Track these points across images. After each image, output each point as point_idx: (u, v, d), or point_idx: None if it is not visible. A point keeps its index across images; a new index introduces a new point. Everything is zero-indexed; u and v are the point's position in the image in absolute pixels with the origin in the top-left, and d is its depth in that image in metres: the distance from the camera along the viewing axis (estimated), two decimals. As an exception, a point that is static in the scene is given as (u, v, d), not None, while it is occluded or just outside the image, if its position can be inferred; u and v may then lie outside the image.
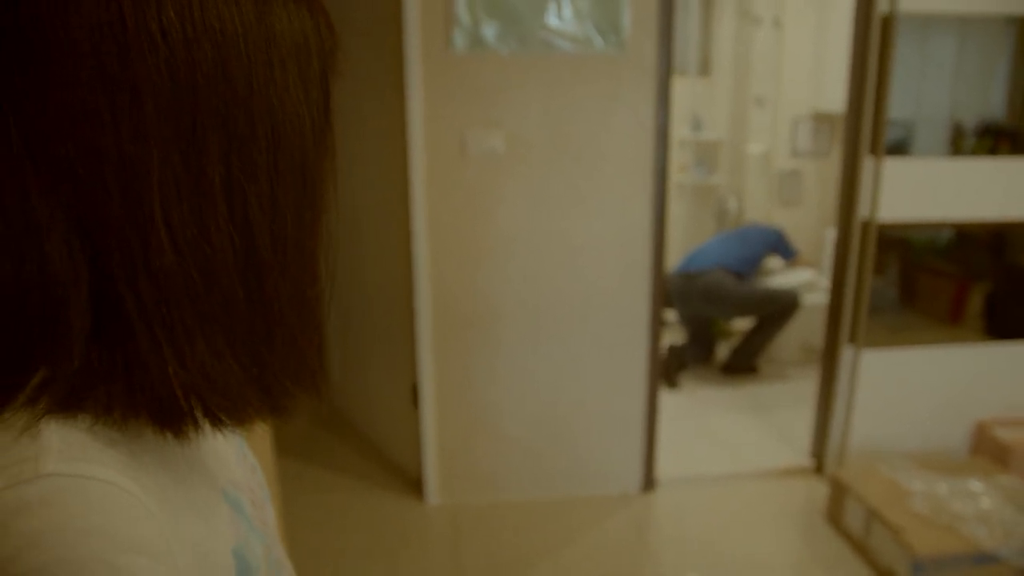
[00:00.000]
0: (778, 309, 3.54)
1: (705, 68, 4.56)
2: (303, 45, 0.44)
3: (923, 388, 2.66)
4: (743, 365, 3.70)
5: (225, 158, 0.40)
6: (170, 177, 0.39)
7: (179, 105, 0.38)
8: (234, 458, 0.57)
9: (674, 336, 3.95)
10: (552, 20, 2.27)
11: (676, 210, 4.43)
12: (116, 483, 0.38)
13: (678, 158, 4.39)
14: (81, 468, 0.37)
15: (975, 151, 2.56)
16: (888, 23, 2.35)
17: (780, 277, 3.82)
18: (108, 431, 0.40)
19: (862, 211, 2.51)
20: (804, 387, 3.50)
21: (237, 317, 0.43)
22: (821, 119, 4.18)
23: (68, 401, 0.39)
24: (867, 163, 2.47)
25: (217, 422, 0.43)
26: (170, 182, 0.39)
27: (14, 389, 0.39)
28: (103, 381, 0.40)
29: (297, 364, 0.47)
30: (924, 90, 2.52)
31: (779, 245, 3.75)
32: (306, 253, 0.47)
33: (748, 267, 3.59)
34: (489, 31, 2.26)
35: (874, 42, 2.39)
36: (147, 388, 0.40)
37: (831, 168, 4.19)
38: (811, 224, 4.33)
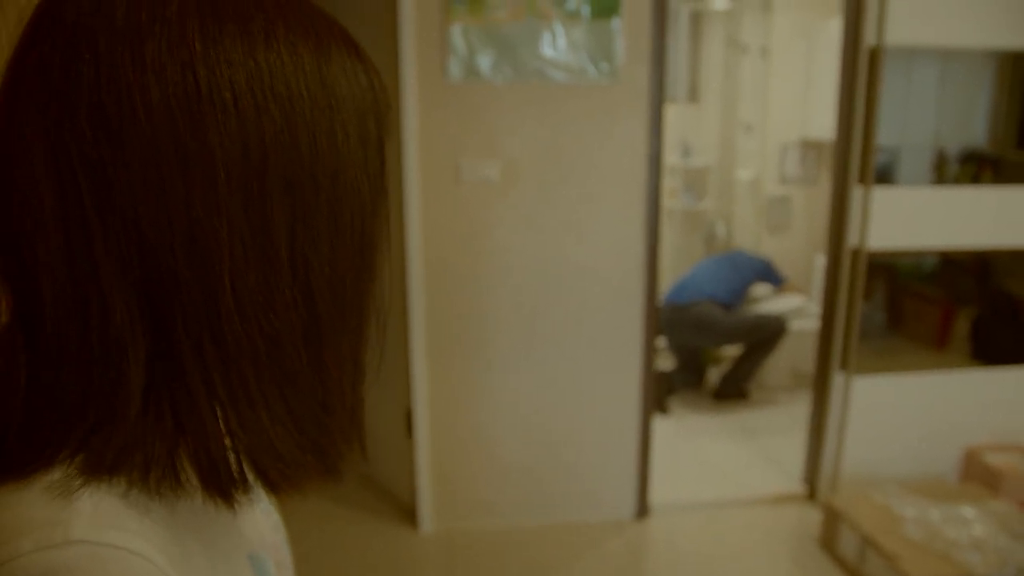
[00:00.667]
0: (766, 335, 3.57)
1: (694, 95, 4.62)
2: (362, 108, 0.44)
3: (913, 414, 2.68)
4: (733, 391, 3.72)
5: (290, 225, 0.41)
6: (239, 244, 0.39)
7: (248, 173, 0.39)
8: (261, 517, 0.56)
9: (663, 362, 3.96)
10: (546, 50, 2.29)
11: (665, 235, 4.46)
12: (142, 553, 0.37)
13: (667, 184, 4.43)
14: (111, 536, 0.37)
15: (958, 178, 2.61)
16: (875, 55, 2.40)
17: (768, 303, 3.85)
18: (142, 497, 0.40)
19: (851, 239, 2.54)
20: (795, 413, 3.52)
21: (299, 383, 0.43)
22: (809, 146, 4.23)
23: (111, 462, 0.39)
24: (856, 191, 2.50)
25: (271, 487, 0.44)
26: (239, 249, 0.39)
27: (58, 447, 0.38)
28: (150, 443, 0.39)
29: (349, 427, 0.48)
30: (909, 119, 2.57)
31: (767, 274, 3.79)
32: (362, 317, 0.47)
33: (736, 297, 3.63)
34: (484, 61, 2.28)
35: (862, 74, 2.44)
36: (203, 452, 0.40)
37: (819, 194, 4.24)
38: (799, 250, 4.37)
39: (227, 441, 0.41)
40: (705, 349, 3.89)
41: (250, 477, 0.42)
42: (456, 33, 2.25)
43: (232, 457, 0.41)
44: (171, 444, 0.40)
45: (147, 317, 0.39)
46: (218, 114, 0.37)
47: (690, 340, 3.71)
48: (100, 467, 0.38)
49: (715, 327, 3.53)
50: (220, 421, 0.40)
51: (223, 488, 0.41)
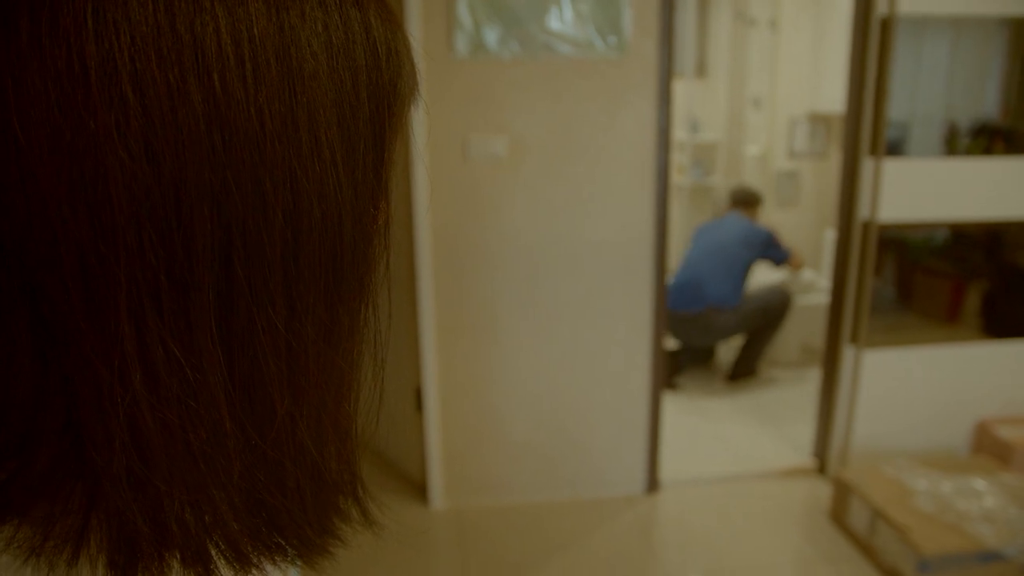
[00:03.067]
0: (773, 316, 3.52)
1: (701, 70, 4.58)
2: (350, 80, 0.32)
3: (924, 387, 2.67)
4: (744, 372, 3.68)
5: (222, 255, 0.30)
6: (144, 280, 0.29)
7: (158, 185, 0.28)
8: None
9: (671, 341, 3.94)
10: (553, 23, 2.27)
11: (673, 211, 4.44)
12: None
13: (675, 160, 4.40)
14: None
15: (970, 151, 2.58)
16: (887, 25, 2.36)
17: (771, 278, 3.77)
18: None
19: (862, 212, 2.52)
20: (805, 388, 3.51)
21: (229, 458, 0.32)
22: (818, 120, 4.19)
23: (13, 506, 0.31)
24: (867, 164, 2.48)
25: (208, 573, 0.34)
26: (144, 287, 0.29)
27: None
28: (57, 518, 0.32)
29: (323, 500, 0.37)
30: (920, 91, 2.54)
31: (767, 251, 3.52)
32: (337, 371, 0.36)
33: (737, 295, 3.44)
34: (491, 35, 2.26)
35: (873, 44, 2.40)
36: (111, 535, 0.32)
37: (828, 169, 4.21)
38: (809, 225, 4.34)
39: (141, 526, 0.32)
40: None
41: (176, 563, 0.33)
42: (462, 6, 2.22)
43: (148, 545, 0.32)
44: (83, 522, 0.32)
45: (59, 375, 0.30)
46: (112, 106, 0.27)
47: (698, 341, 3.63)
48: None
49: (720, 329, 3.46)
50: (129, 502, 0.31)
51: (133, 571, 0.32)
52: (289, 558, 0.37)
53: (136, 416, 0.30)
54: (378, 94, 0.33)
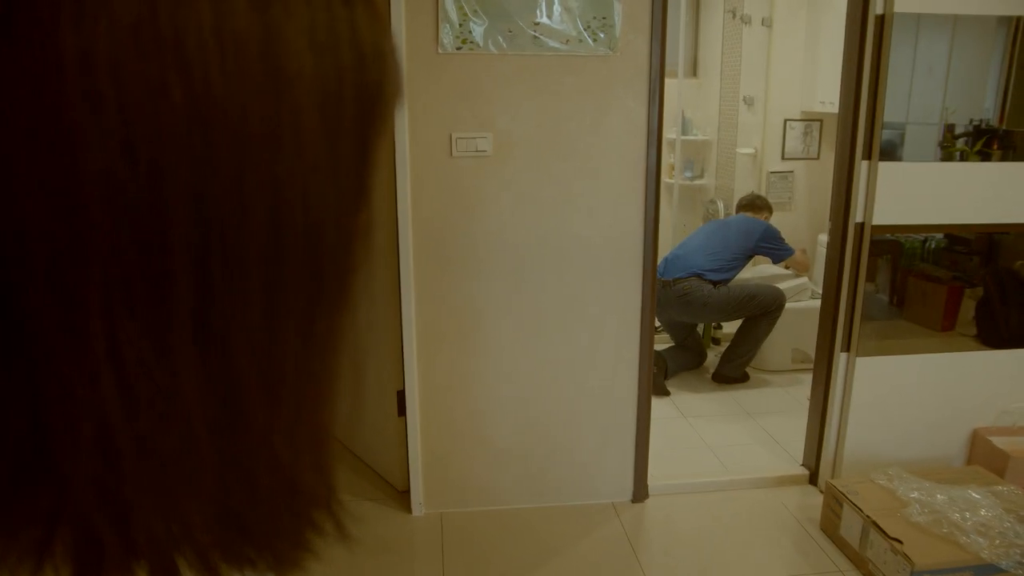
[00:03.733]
0: (760, 309, 3.47)
1: (693, 69, 4.53)
2: (334, 80, 0.31)
3: (918, 396, 2.62)
4: (734, 373, 3.64)
5: (199, 257, 0.29)
6: (117, 279, 0.28)
7: (133, 184, 0.27)
8: None
9: (661, 343, 3.90)
10: (541, 18, 2.21)
11: (664, 212, 4.39)
12: None
13: (666, 159, 4.35)
14: None
15: (966, 154, 2.54)
16: (883, 23, 2.31)
17: (764, 276, 3.74)
18: None
19: (856, 215, 2.47)
20: (795, 394, 3.47)
21: (201, 467, 0.31)
22: (811, 120, 4.15)
23: None
24: (861, 166, 2.43)
25: None
26: (117, 286, 0.28)
27: None
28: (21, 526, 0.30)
29: (296, 512, 0.36)
30: (915, 92, 2.49)
31: (766, 244, 3.54)
32: (315, 380, 0.35)
33: (725, 274, 3.47)
34: (477, 29, 2.20)
35: (869, 42, 2.35)
36: (77, 545, 0.30)
37: (821, 170, 4.17)
38: (801, 227, 4.30)
39: (109, 539, 0.31)
40: (706, 326, 3.81)
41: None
42: (448, 0, 2.16)
43: (118, 557, 0.31)
44: (48, 530, 0.30)
45: (24, 375, 0.29)
46: (88, 103, 0.25)
47: (677, 317, 3.61)
48: None
49: (701, 304, 3.42)
50: (99, 515, 0.30)
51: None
52: (260, 571, 0.35)
53: (105, 421, 0.28)
54: (363, 95, 0.32)
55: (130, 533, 0.30)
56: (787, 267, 3.74)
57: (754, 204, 3.74)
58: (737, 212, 3.80)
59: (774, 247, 3.57)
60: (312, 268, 0.32)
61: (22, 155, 0.26)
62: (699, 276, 3.44)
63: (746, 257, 3.55)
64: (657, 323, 3.84)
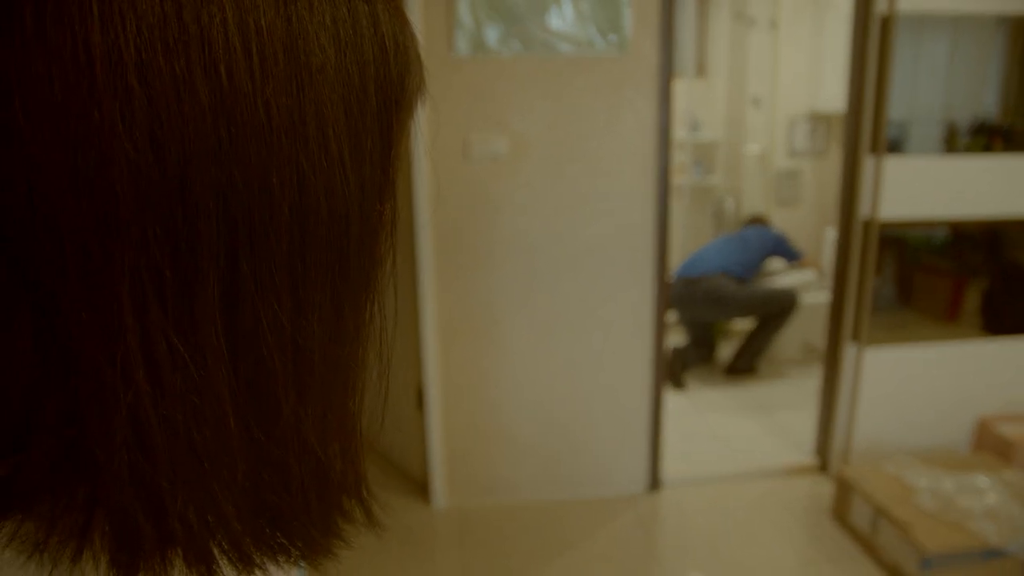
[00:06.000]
0: (777, 309, 3.57)
1: (701, 69, 4.58)
2: (357, 74, 0.31)
3: (925, 385, 2.67)
4: (744, 367, 3.72)
5: (228, 251, 0.29)
6: (149, 275, 0.28)
7: (163, 178, 0.27)
8: None
9: (677, 338, 3.96)
10: (554, 22, 2.27)
11: (674, 211, 4.44)
12: None
13: (675, 159, 4.40)
14: None
15: (969, 149, 2.58)
16: (887, 23, 2.36)
17: (781, 277, 3.84)
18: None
19: (863, 209, 2.52)
20: (805, 386, 3.51)
21: (233, 456, 0.32)
22: (818, 119, 4.20)
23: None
24: (868, 162, 2.48)
25: (210, 573, 0.34)
26: (148, 282, 0.28)
27: None
28: (59, 520, 0.31)
29: (327, 500, 0.37)
30: (918, 89, 2.54)
31: (780, 248, 3.76)
32: (343, 369, 0.36)
33: (749, 272, 3.62)
34: (491, 33, 2.26)
35: (873, 41, 2.40)
36: (114, 533, 0.31)
37: (829, 168, 4.21)
38: (809, 224, 4.34)
39: (143, 526, 0.31)
40: (716, 323, 3.88)
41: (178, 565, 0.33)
42: (463, 5, 2.22)
43: (151, 545, 0.31)
44: (83, 518, 0.31)
45: (61, 368, 0.29)
46: (118, 99, 0.26)
47: (701, 314, 3.70)
48: None
49: (727, 300, 3.52)
50: (132, 501, 0.30)
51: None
52: (292, 559, 0.36)
53: (139, 413, 0.29)
54: (386, 89, 0.33)
55: (166, 522, 0.31)
56: (801, 266, 3.89)
57: (759, 219, 3.99)
58: (746, 225, 4.02)
59: (787, 250, 3.78)
60: (338, 259, 0.32)
61: (53, 152, 0.26)
62: (725, 272, 3.55)
63: (765, 258, 3.74)
64: (674, 319, 3.94)
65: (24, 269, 0.27)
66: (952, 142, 2.58)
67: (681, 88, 4.29)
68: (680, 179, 4.49)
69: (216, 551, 0.33)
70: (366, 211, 0.33)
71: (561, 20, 2.27)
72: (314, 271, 0.32)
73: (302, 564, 0.40)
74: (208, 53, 0.27)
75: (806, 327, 3.80)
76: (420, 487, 2.71)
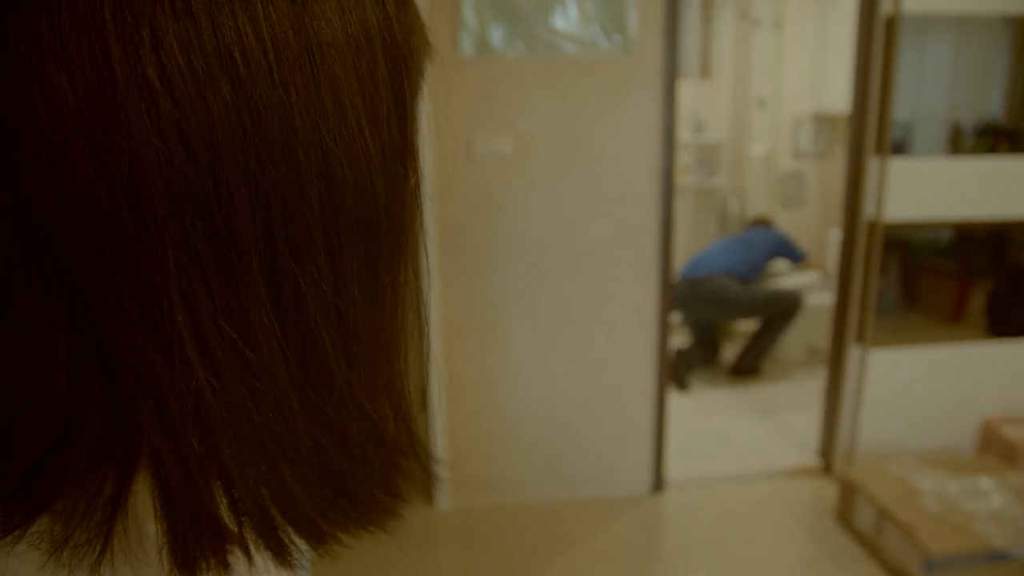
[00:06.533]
0: (781, 310, 3.56)
1: (705, 70, 4.57)
2: (367, 47, 0.32)
3: (929, 387, 2.66)
4: (748, 367, 3.71)
5: (264, 231, 0.30)
6: (192, 267, 0.29)
7: (195, 170, 0.28)
8: None
9: (681, 339, 3.96)
10: (558, 22, 2.27)
11: (678, 212, 4.44)
12: None
13: (679, 160, 4.40)
14: None
15: (974, 150, 2.57)
16: (892, 24, 2.36)
17: (785, 279, 3.83)
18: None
19: (867, 211, 2.52)
20: (809, 388, 3.51)
21: (296, 431, 0.33)
22: (822, 120, 4.19)
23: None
24: (872, 163, 2.47)
25: (284, 554, 0.35)
26: (193, 274, 0.29)
27: None
28: (104, 515, 0.31)
29: (386, 461, 0.38)
30: (923, 90, 2.54)
31: (783, 249, 3.75)
32: (386, 332, 0.37)
33: (753, 273, 3.61)
34: (496, 34, 2.26)
35: (878, 42, 2.40)
36: (181, 530, 0.31)
37: (833, 169, 4.21)
38: (814, 225, 4.34)
39: (218, 511, 0.32)
40: (719, 324, 3.88)
41: (253, 546, 0.34)
42: (468, 6, 2.22)
43: (230, 528, 0.32)
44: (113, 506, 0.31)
45: (99, 368, 0.30)
46: (142, 100, 0.27)
47: (705, 314, 3.70)
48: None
49: (730, 301, 3.51)
50: (202, 490, 0.31)
51: (215, 561, 0.32)
52: (359, 527, 0.38)
53: (201, 403, 0.30)
54: (393, 54, 0.34)
55: (238, 505, 0.32)
56: (805, 267, 3.89)
57: (763, 220, 3.98)
58: (750, 227, 4.01)
59: (791, 251, 3.77)
60: (368, 225, 0.33)
61: (83, 157, 0.27)
62: (729, 273, 3.54)
63: (768, 259, 3.73)
64: (677, 320, 3.93)
65: (57, 274, 0.28)
66: (957, 143, 2.58)
67: (685, 89, 4.29)
68: (684, 180, 4.48)
69: (289, 529, 0.34)
70: (390, 176, 0.34)
71: (565, 20, 2.27)
72: (348, 239, 0.32)
73: (306, 565, 0.40)
74: (223, 44, 0.28)
75: (810, 328, 3.79)
76: (423, 487, 2.71)
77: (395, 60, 0.34)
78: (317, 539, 0.35)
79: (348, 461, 0.35)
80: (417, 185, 0.37)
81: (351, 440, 0.35)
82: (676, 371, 3.59)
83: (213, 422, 0.30)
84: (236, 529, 0.32)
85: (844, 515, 2.47)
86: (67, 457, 0.30)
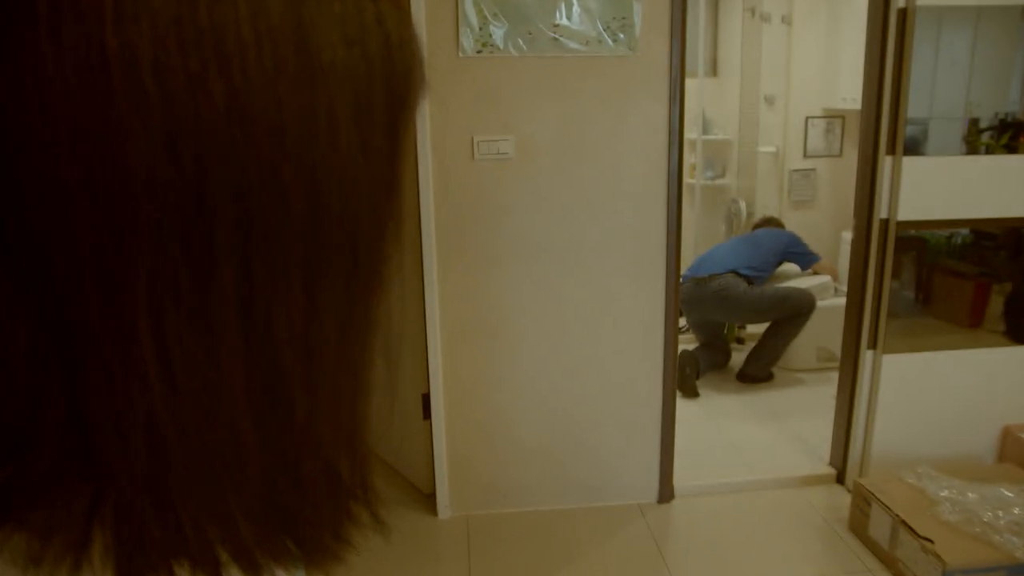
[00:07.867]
0: (792, 311, 3.48)
1: (713, 68, 4.51)
2: (363, 70, 0.31)
3: (946, 393, 2.59)
4: (759, 373, 3.63)
5: (241, 248, 0.29)
6: (164, 275, 0.28)
7: (179, 180, 0.27)
8: None
9: (688, 344, 3.89)
10: (561, 20, 2.21)
11: (686, 213, 4.37)
12: None
13: (687, 160, 4.34)
14: None
15: (991, 147, 2.50)
16: (905, 16, 2.29)
17: (795, 281, 3.75)
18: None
19: (881, 211, 2.45)
20: (821, 393, 3.44)
21: (247, 458, 0.32)
22: (833, 117, 4.12)
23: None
24: (885, 162, 2.41)
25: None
26: (164, 282, 0.28)
27: None
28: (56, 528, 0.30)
29: (338, 508, 0.37)
30: (939, 86, 2.47)
31: (793, 249, 3.64)
32: (353, 369, 0.36)
33: (760, 273, 3.53)
34: (497, 32, 2.21)
35: (891, 35, 2.33)
36: (120, 542, 0.30)
37: (844, 168, 4.13)
38: (824, 225, 4.27)
39: (151, 537, 0.31)
40: (726, 326, 3.80)
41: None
42: (469, 4, 2.17)
43: (155, 557, 0.31)
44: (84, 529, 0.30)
45: (62, 371, 0.29)
46: (134, 99, 0.26)
47: (710, 315, 3.61)
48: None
49: (736, 301, 3.43)
50: (142, 510, 0.30)
51: None
52: (299, 563, 0.36)
53: (153, 416, 0.29)
54: (392, 85, 0.33)
55: (177, 527, 0.30)
56: (815, 272, 3.75)
57: (772, 221, 3.89)
58: (758, 227, 3.92)
59: (802, 252, 3.65)
60: (348, 255, 0.32)
61: (68, 153, 0.26)
62: (735, 273, 3.46)
63: (777, 261, 3.62)
64: (682, 323, 3.86)
65: (25, 271, 0.27)
66: (974, 139, 2.50)
67: (692, 87, 4.22)
68: (692, 180, 4.42)
69: (224, 556, 0.32)
70: (375, 207, 0.33)
71: (568, 18, 2.22)
72: (326, 268, 0.32)
73: (303, 569, 0.39)
74: (222, 52, 0.27)
75: (821, 333, 3.71)
76: (425, 497, 2.66)
77: (392, 92, 0.33)
78: (252, 569, 0.33)
79: (298, 498, 0.34)
80: (400, 219, 0.36)
81: (304, 476, 0.34)
82: (683, 377, 3.49)
83: (163, 436, 0.29)
84: (170, 553, 0.31)
85: (858, 525, 2.40)
86: (26, 467, 0.29)
